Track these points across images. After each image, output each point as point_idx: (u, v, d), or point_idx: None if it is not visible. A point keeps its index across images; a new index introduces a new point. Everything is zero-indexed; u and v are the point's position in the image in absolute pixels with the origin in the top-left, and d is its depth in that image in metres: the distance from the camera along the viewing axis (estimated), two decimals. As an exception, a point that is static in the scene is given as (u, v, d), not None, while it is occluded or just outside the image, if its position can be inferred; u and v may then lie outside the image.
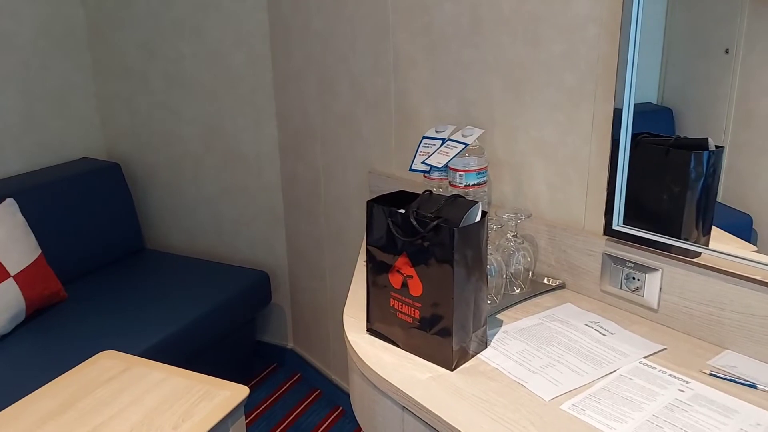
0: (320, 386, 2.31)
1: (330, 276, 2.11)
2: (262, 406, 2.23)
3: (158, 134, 2.40)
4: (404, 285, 1.04)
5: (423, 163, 1.37)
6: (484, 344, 1.07)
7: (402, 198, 1.12)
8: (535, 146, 1.32)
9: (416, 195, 1.10)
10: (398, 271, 1.05)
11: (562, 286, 1.29)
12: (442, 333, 1.00)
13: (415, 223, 1.01)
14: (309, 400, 2.26)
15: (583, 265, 1.25)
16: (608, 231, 1.21)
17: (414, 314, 1.04)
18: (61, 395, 1.19)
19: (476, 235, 1.00)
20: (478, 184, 1.34)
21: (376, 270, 1.09)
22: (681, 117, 1.09)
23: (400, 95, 1.62)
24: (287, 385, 2.35)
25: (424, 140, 1.43)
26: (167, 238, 2.53)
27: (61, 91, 2.36)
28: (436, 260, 0.99)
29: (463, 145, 1.32)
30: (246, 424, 2.11)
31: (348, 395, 2.15)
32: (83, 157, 2.45)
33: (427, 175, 1.41)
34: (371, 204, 1.08)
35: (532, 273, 1.32)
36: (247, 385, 2.34)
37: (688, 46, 1.06)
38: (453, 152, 1.32)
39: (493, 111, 1.39)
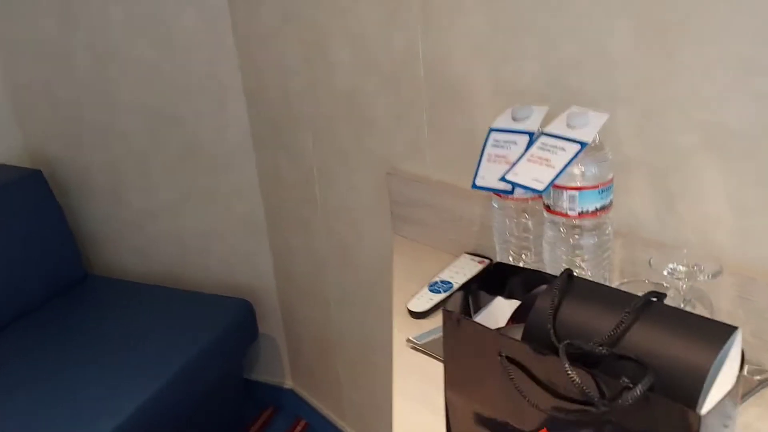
0: (333, 440, 1.80)
1: (336, 307, 1.57)
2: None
3: (90, 129, 1.80)
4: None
5: (504, 179, 0.81)
6: None
7: (500, 279, 0.57)
8: (704, 137, 0.77)
9: (521, 271, 0.56)
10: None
11: None
12: None
13: (586, 388, 0.46)
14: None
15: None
16: None
17: None
18: None
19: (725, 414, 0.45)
20: (602, 208, 0.79)
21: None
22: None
23: (434, 59, 1.05)
24: (291, 438, 1.84)
25: (494, 135, 0.87)
26: (116, 260, 1.95)
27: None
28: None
29: (579, 145, 0.76)
30: None
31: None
32: (-7, 166, 1.84)
33: (502, 194, 0.86)
34: (459, 319, 0.53)
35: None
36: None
37: None
38: (561, 158, 0.77)
39: (614, 78, 0.83)
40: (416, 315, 0.97)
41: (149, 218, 1.84)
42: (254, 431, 1.88)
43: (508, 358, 0.50)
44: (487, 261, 1.06)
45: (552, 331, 0.50)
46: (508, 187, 0.81)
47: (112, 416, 1.32)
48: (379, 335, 1.44)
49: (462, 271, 1.04)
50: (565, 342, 0.47)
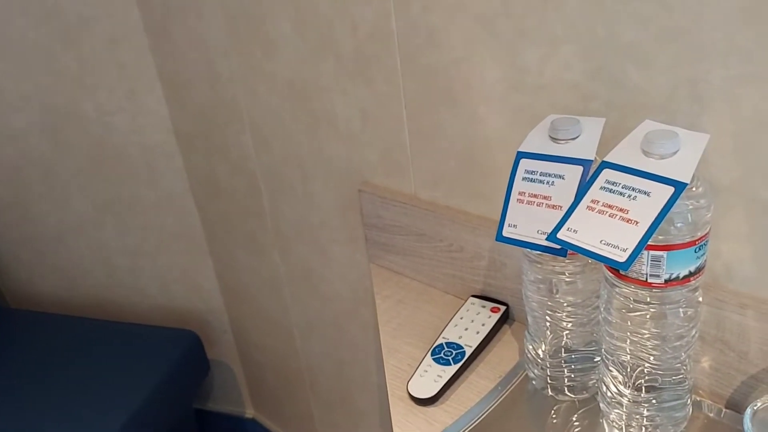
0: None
1: (302, 338, 1.30)
2: None
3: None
4: None
5: (554, 239, 0.54)
6: None
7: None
8: None
9: None
10: None
11: None
12: None
13: None
14: None
15: None
16: None
17: None
18: None
19: None
20: (697, 271, 0.53)
21: None
22: None
23: (415, 41, 0.75)
24: (260, 480, 1.60)
25: (525, 163, 0.59)
26: (31, 287, 1.61)
27: None
28: None
29: (672, 187, 0.50)
30: None
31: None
32: None
33: (544, 251, 0.59)
34: None
35: None
36: None
37: None
38: (646, 208, 0.50)
39: (700, 67, 0.55)
40: (422, 402, 0.71)
41: (65, 234, 1.51)
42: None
43: None
44: (502, 308, 0.80)
45: None
46: (556, 246, 0.54)
47: None
48: (358, 377, 1.19)
49: (472, 325, 0.79)
50: None
